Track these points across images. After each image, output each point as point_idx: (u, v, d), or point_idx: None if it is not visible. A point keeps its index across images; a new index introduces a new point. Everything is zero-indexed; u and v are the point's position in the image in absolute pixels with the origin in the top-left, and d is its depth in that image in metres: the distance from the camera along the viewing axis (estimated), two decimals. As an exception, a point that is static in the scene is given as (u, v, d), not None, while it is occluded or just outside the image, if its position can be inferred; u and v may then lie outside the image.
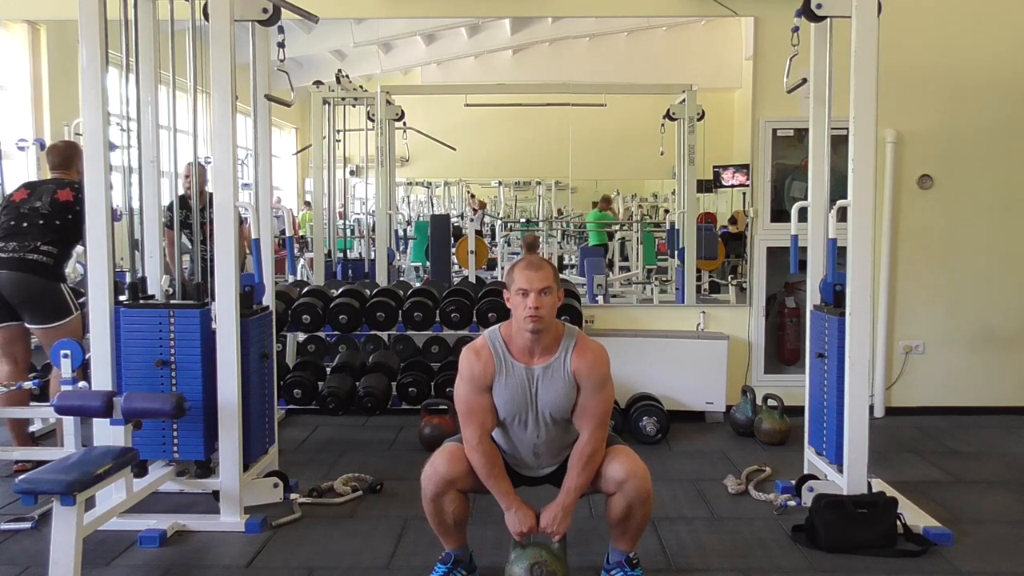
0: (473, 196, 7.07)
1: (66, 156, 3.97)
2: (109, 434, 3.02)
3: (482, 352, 2.59)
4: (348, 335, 5.04)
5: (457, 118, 6.23)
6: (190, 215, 3.75)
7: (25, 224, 3.75)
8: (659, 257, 6.17)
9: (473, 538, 2.95)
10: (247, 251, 3.81)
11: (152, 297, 3.32)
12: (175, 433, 3.22)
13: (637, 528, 2.63)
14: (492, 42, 6.32)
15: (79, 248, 3.96)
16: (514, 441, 2.66)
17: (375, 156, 5.83)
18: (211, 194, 3.19)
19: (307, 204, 6.66)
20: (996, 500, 3.59)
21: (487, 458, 2.57)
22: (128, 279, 3.26)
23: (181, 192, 3.67)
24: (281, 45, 3.49)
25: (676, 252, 5.43)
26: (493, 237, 6.58)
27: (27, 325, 3.78)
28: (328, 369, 4.98)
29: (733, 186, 5.72)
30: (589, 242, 6.56)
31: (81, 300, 3.79)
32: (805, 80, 3.50)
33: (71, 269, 4.49)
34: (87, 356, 3.28)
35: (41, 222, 3.75)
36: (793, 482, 3.50)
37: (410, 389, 4.76)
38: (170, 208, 3.45)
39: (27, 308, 3.72)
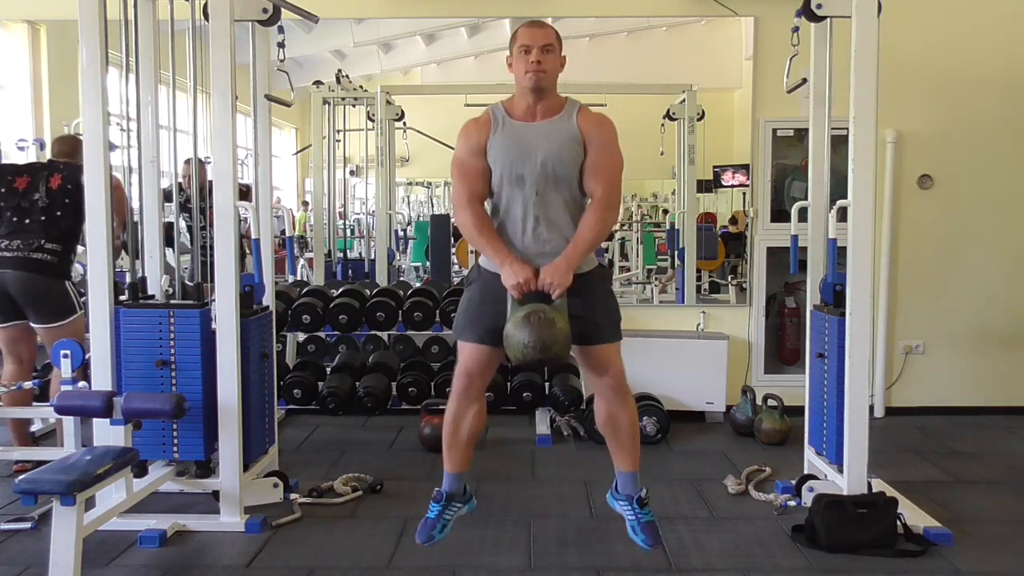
0: None
1: (71, 145, 3.93)
2: (109, 434, 3.02)
3: (481, 117, 2.56)
4: (348, 335, 5.04)
5: (457, 118, 6.17)
6: (188, 201, 3.75)
7: (28, 221, 3.73)
8: (659, 257, 6.17)
9: (473, 536, 2.96)
10: (247, 250, 3.81)
11: (152, 297, 3.32)
12: (175, 433, 3.22)
13: (630, 440, 2.64)
14: (492, 42, 6.31)
15: (79, 248, 3.96)
16: (510, 205, 2.53)
17: (375, 156, 5.83)
18: (211, 183, 3.18)
19: (304, 204, 6.67)
20: (996, 500, 3.59)
21: (476, 217, 2.50)
22: (128, 279, 3.26)
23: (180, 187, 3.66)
24: (281, 45, 3.49)
25: (676, 252, 5.43)
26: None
27: (31, 324, 3.77)
28: (328, 369, 4.98)
29: (733, 186, 5.72)
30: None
31: (83, 299, 3.79)
32: (805, 80, 3.50)
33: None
34: (87, 356, 3.28)
35: (43, 217, 3.73)
36: (793, 482, 3.50)
37: (410, 389, 4.76)
38: (170, 187, 3.45)
39: (32, 307, 3.72)
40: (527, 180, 2.49)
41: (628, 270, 6.38)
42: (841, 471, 3.22)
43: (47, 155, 4.91)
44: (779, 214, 4.92)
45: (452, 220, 6.14)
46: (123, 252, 3.46)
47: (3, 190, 3.79)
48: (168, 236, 3.48)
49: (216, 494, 3.25)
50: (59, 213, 3.75)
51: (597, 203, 2.50)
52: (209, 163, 3.38)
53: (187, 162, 3.80)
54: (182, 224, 3.84)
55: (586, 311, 2.53)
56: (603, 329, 2.59)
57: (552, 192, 2.51)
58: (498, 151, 2.50)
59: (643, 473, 2.69)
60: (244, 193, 3.45)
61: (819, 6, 3.29)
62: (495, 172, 2.52)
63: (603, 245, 6.36)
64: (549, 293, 2.44)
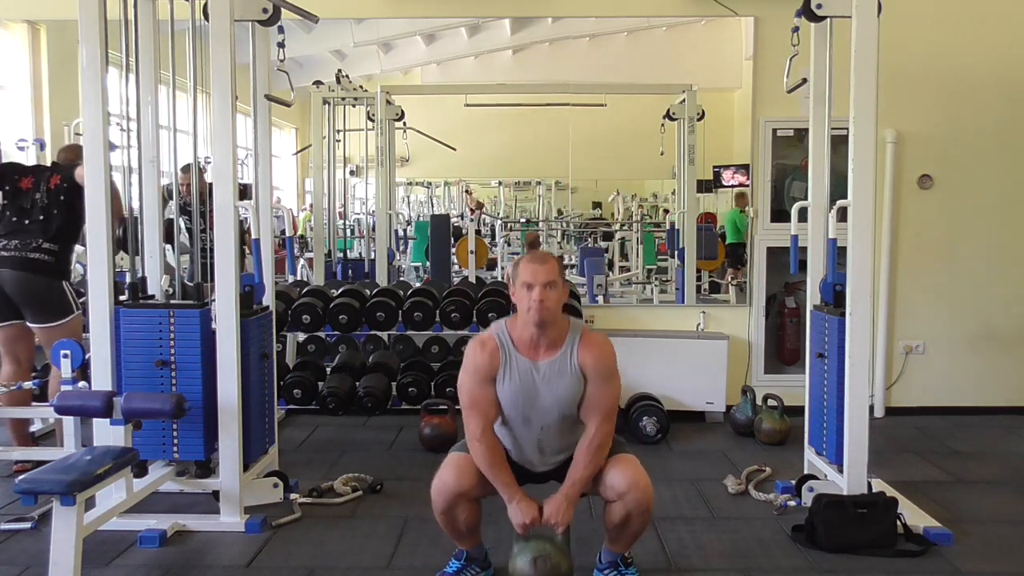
0: (469, 193, 7.06)
1: (77, 153, 3.93)
2: (109, 434, 3.02)
3: (488, 344, 2.58)
4: (348, 335, 5.04)
5: (457, 118, 6.23)
6: (188, 205, 3.75)
7: (27, 221, 3.74)
8: (659, 257, 6.17)
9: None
10: (247, 250, 3.81)
11: (152, 297, 3.32)
12: (175, 433, 3.22)
13: (633, 535, 2.62)
14: (492, 42, 6.31)
15: (79, 248, 3.96)
16: (518, 438, 2.64)
17: (375, 156, 5.83)
18: (210, 187, 3.18)
19: (309, 207, 6.66)
20: (996, 500, 3.59)
21: (490, 450, 2.55)
22: (128, 279, 3.26)
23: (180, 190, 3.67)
24: (281, 45, 3.48)
25: (676, 252, 5.43)
26: (493, 237, 6.58)
27: (28, 324, 3.77)
28: (328, 369, 4.98)
29: (733, 186, 5.71)
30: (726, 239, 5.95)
31: (82, 299, 3.79)
32: (805, 80, 3.50)
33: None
34: (87, 356, 3.28)
35: (42, 217, 3.74)
36: (793, 482, 3.50)
37: (410, 389, 4.76)
38: (169, 186, 3.45)
39: (29, 307, 3.72)
40: (533, 421, 2.60)
41: (628, 270, 6.38)
42: (841, 471, 3.23)
43: (47, 155, 4.92)
44: (779, 214, 4.92)
45: (452, 219, 6.15)
46: (121, 251, 3.46)
47: (8, 188, 3.81)
48: (168, 232, 3.48)
49: (216, 494, 3.25)
50: (55, 212, 3.75)
51: (590, 440, 2.56)
52: (209, 165, 3.38)
53: (185, 170, 3.80)
54: (182, 224, 3.84)
55: None
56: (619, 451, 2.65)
57: (558, 425, 2.61)
58: (507, 393, 2.57)
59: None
60: (243, 191, 3.45)
61: (819, 6, 3.29)
62: (504, 408, 2.60)
63: (603, 245, 6.38)
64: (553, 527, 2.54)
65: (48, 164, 4.12)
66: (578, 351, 2.56)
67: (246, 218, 3.55)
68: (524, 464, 2.69)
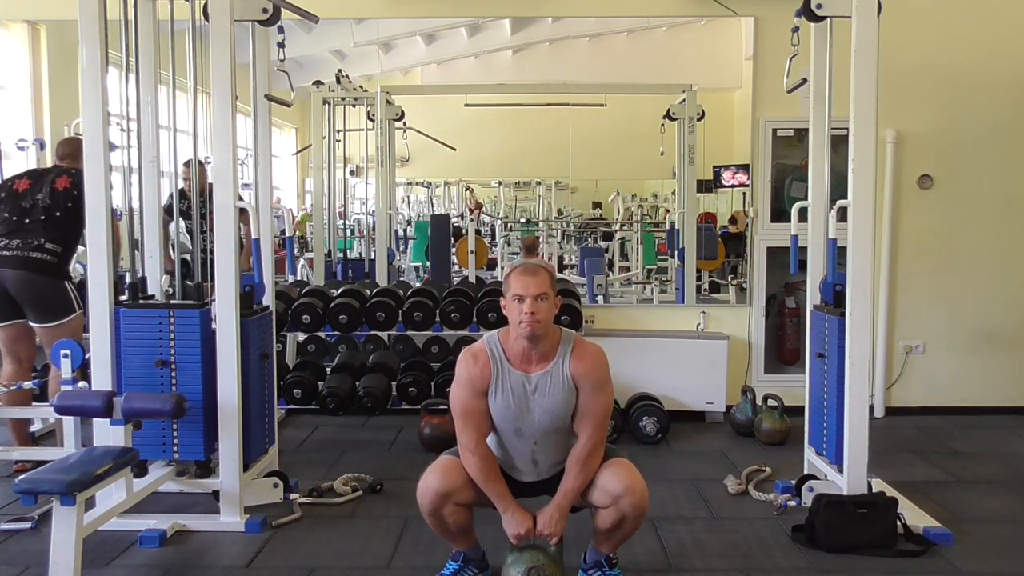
0: (470, 190, 7.06)
1: (75, 147, 3.93)
2: (109, 434, 3.02)
3: (480, 356, 2.57)
4: (348, 335, 5.04)
5: (457, 118, 6.23)
6: (190, 208, 3.75)
7: (28, 220, 3.74)
8: (659, 257, 6.17)
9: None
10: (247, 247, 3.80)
11: (152, 297, 3.32)
12: (175, 433, 3.22)
13: (623, 537, 2.62)
14: (492, 42, 6.32)
15: (80, 248, 3.96)
16: (510, 449, 2.64)
17: (375, 156, 5.83)
18: (211, 185, 3.18)
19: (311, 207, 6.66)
20: (996, 500, 3.59)
21: (484, 461, 2.56)
22: (128, 279, 3.26)
23: (180, 186, 3.67)
24: (281, 45, 3.48)
25: (676, 252, 5.43)
26: (493, 237, 6.59)
27: (30, 323, 3.77)
28: (328, 369, 4.98)
29: (733, 186, 5.72)
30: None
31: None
32: (805, 80, 3.50)
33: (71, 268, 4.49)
34: (87, 356, 3.28)
35: (43, 217, 3.74)
36: (793, 482, 3.50)
37: (410, 389, 4.76)
38: (170, 198, 3.44)
39: (31, 306, 3.72)
40: (525, 433, 2.59)
41: (628, 270, 6.38)
42: (841, 471, 3.23)
43: (47, 155, 4.92)
44: (779, 214, 4.92)
45: (452, 219, 6.15)
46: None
47: (3, 194, 3.83)
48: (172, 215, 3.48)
49: (216, 494, 3.25)
50: (59, 214, 3.75)
51: (581, 448, 2.55)
52: (209, 163, 3.38)
53: (187, 164, 3.80)
54: (182, 224, 3.84)
55: None
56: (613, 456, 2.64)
57: (549, 439, 2.61)
58: (500, 406, 2.56)
59: (643, 474, 2.68)
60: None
61: (819, 6, 3.28)
62: (496, 420, 2.60)
63: (603, 245, 6.39)
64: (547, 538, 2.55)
65: (48, 165, 4.11)
66: (570, 362, 2.55)
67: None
68: (517, 477, 2.68)
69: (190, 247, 4.00)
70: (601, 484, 2.53)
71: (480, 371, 2.56)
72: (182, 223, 3.82)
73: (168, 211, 3.52)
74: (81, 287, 3.72)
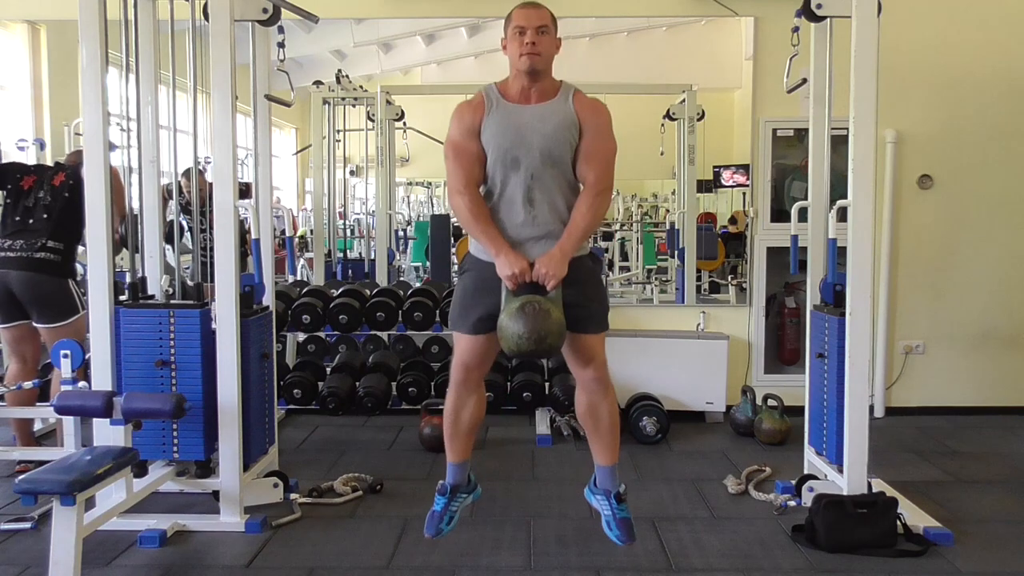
0: None
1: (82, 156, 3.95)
2: (109, 434, 3.03)
3: (474, 100, 2.53)
4: (348, 335, 5.04)
5: (457, 118, 6.22)
6: (189, 204, 3.75)
7: (31, 220, 3.74)
8: (659, 257, 6.17)
9: (473, 536, 2.96)
10: (247, 250, 3.80)
11: (152, 297, 3.32)
12: (175, 433, 3.22)
13: (608, 428, 2.63)
14: (492, 42, 6.29)
15: (80, 248, 3.96)
16: (506, 188, 2.50)
17: (375, 156, 5.83)
18: (211, 187, 3.18)
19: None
20: (996, 500, 3.59)
21: (473, 202, 2.46)
22: (128, 279, 3.26)
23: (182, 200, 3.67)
24: (281, 45, 3.48)
25: (676, 252, 5.43)
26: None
27: (34, 324, 3.77)
28: (328, 369, 4.98)
29: (733, 186, 5.71)
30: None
31: (85, 298, 3.78)
32: (805, 80, 3.50)
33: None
34: (87, 356, 3.28)
35: (46, 216, 3.74)
36: (793, 482, 3.50)
37: (410, 389, 4.76)
38: (169, 186, 3.45)
39: (35, 307, 3.72)
40: (522, 163, 2.47)
41: (628, 270, 6.38)
42: (841, 471, 3.22)
43: (47, 155, 4.92)
44: (779, 214, 4.92)
45: (452, 219, 6.15)
46: (123, 248, 3.45)
47: (11, 187, 3.81)
48: (168, 233, 3.47)
49: (216, 494, 3.25)
50: (59, 210, 3.75)
51: (590, 188, 2.48)
52: (209, 165, 3.38)
53: (186, 175, 3.79)
54: (183, 223, 3.84)
55: (577, 299, 2.49)
56: (592, 319, 2.56)
57: (548, 175, 2.49)
58: (493, 133, 2.47)
59: (643, 474, 2.69)
60: (243, 191, 3.45)
61: (819, 6, 3.29)
62: (489, 155, 2.49)
63: (603, 245, 6.39)
64: (544, 284, 2.42)
65: (50, 164, 4.11)
66: (573, 101, 2.49)
67: (246, 218, 3.54)
68: (512, 230, 2.51)
69: (190, 248, 4.00)
70: (571, 365, 2.57)
71: (473, 110, 2.50)
72: (183, 222, 3.81)
73: (168, 195, 3.51)
74: (83, 286, 3.72)
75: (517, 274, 2.40)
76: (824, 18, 3.34)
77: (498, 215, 2.52)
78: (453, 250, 5.89)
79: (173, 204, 3.37)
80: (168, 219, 3.53)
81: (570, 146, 2.47)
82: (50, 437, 4.25)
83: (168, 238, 3.48)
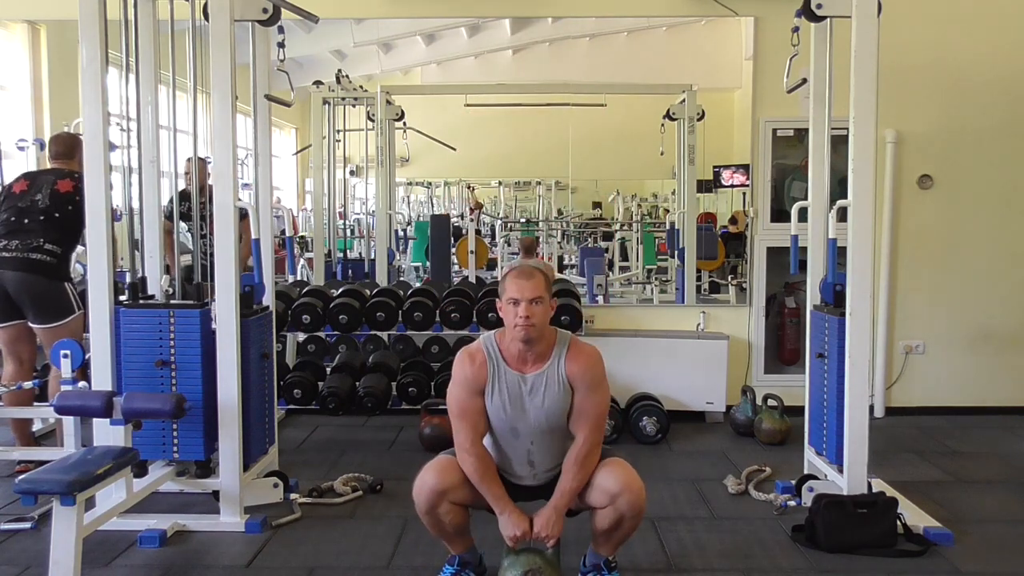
0: (473, 189, 7.06)
1: (69, 146, 3.96)
2: (109, 434, 3.03)
3: (476, 356, 2.58)
4: (348, 335, 5.04)
5: (457, 118, 6.23)
6: (191, 209, 3.76)
7: (27, 220, 3.74)
8: (659, 257, 6.17)
9: (473, 536, 2.95)
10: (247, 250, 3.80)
11: (152, 297, 3.32)
12: (175, 433, 3.23)
13: (622, 538, 2.61)
14: (492, 42, 6.31)
15: (80, 248, 3.96)
16: (507, 451, 2.63)
17: (375, 156, 5.83)
18: (211, 187, 3.19)
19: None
20: (996, 500, 3.59)
21: (480, 461, 2.55)
22: (128, 279, 3.26)
23: (181, 187, 3.67)
24: (281, 45, 3.48)
25: (676, 252, 5.43)
26: (493, 237, 6.58)
27: (29, 324, 3.77)
28: (328, 369, 4.98)
29: (733, 186, 5.71)
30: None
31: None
32: (805, 80, 3.50)
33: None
34: (87, 356, 3.28)
35: (42, 218, 3.74)
36: (793, 482, 3.50)
37: (410, 389, 4.76)
38: (170, 203, 3.45)
39: (30, 307, 3.72)
40: (522, 433, 2.59)
41: (628, 270, 6.38)
42: (841, 471, 3.23)
43: (47, 155, 4.92)
44: (779, 214, 4.92)
45: (452, 219, 6.14)
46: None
47: (1, 197, 3.84)
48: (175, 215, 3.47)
49: (216, 494, 3.25)
50: (58, 215, 3.75)
51: (579, 446, 2.54)
52: (210, 162, 3.38)
53: (188, 161, 3.80)
54: (183, 224, 3.84)
55: None
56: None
57: (546, 440, 2.61)
58: (496, 405, 2.57)
59: (643, 474, 2.68)
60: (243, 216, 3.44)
61: (819, 6, 3.29)
62: (492, 419, 2.60)
63: (603, 245, 6.39)
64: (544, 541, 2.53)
65: (47, 167, 4.12)
66: (565, 362, 2.55)
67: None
68: (514, 480, 2.67)
69: (191, 248, 4.00)
70: (598, 483, 2.52)
71: (476, 371, 2.56)
72: (183, 224, 3.82)
73: (168, 217, 3.52)
74: (82, 286, 3.72)
75: (519, 536, 2.52)
76: (824, 18, 3.34)
77: (501, 464, 2.66)
78: (453, 250, 5.89)
79: (174, 207, 3.37)
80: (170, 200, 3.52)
81: (564, 411, 2.57)
82: (50, 437, 4.25)
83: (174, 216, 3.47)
